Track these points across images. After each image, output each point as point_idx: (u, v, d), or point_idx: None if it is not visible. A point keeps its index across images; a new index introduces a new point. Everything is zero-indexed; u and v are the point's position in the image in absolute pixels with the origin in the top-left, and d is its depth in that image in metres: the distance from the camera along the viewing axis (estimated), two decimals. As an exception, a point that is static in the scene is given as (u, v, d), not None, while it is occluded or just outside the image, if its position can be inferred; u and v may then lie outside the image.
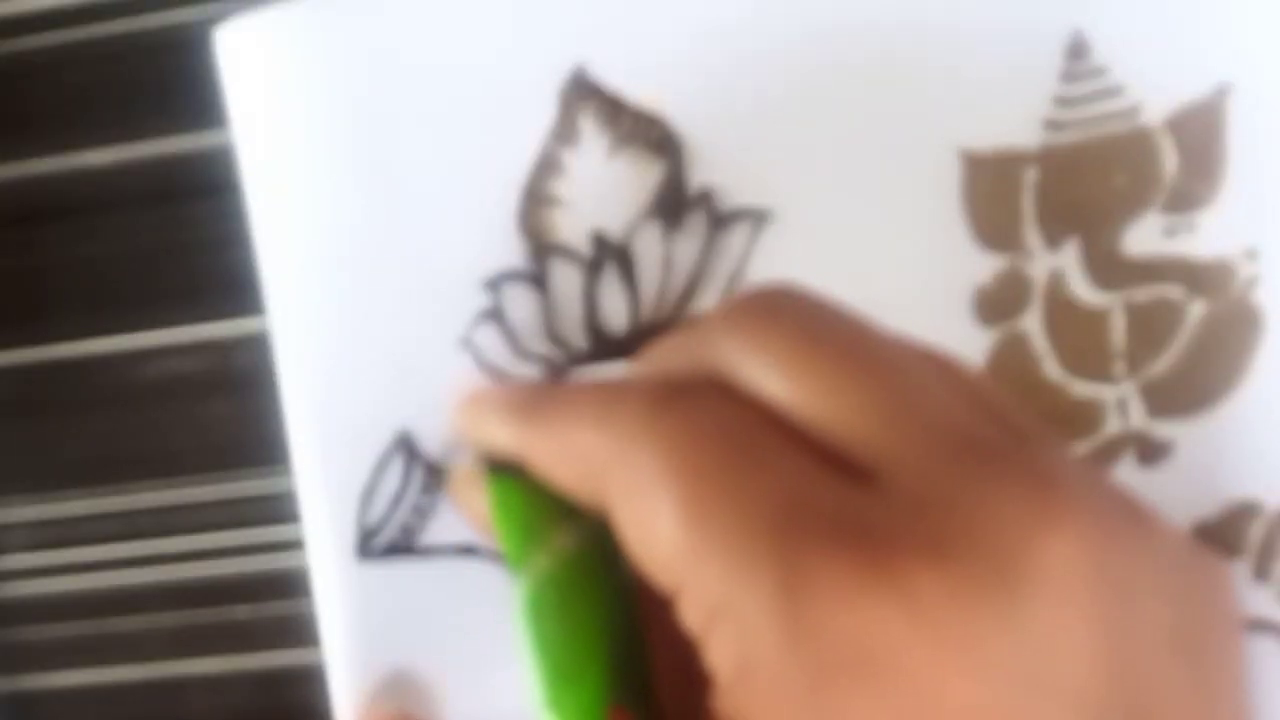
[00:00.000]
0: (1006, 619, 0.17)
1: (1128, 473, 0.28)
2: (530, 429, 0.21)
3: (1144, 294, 0.27)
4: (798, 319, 0.20)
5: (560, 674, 0.21)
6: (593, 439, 0.20)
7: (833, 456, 0.19)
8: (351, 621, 0.29)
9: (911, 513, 0.18)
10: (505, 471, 0.22)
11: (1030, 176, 0.28)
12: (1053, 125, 0.27)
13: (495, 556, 0.29)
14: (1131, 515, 0.19)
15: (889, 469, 0.18)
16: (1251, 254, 0.27)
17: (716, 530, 0.18)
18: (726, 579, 0.18)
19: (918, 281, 0.28)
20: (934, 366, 0.20)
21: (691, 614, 0.18)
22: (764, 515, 0.18)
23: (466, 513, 0.24)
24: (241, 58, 0.29)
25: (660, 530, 0.18)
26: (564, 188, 0.29)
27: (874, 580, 0.17)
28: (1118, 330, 0.28)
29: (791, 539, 0.18)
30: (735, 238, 0.28)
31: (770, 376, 0.19)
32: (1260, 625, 0.27)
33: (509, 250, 0.29)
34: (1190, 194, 0.27)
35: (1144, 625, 0.18)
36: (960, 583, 0.17)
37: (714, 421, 0.19)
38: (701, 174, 0.28)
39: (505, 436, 0.22)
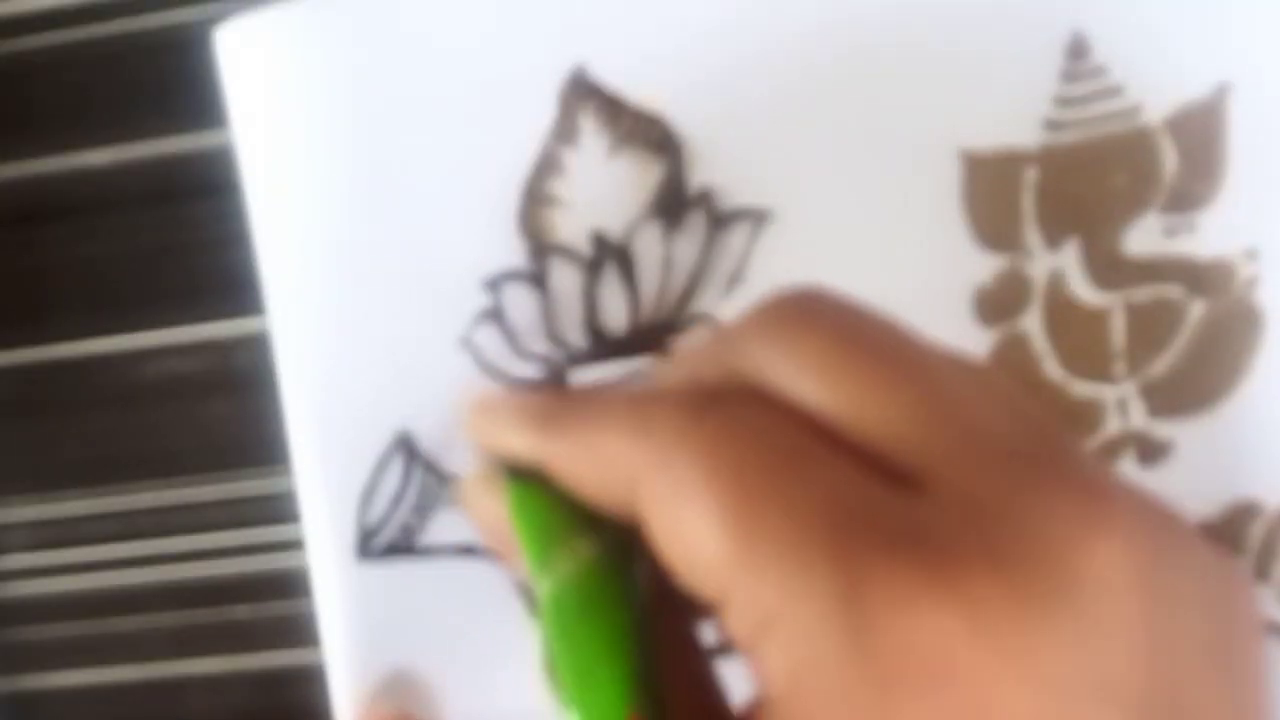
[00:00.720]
0: (1060, 625, 0.17)
1: (1128, 473, 0.28)
2: (553, 438, 0.21)
3: (1144, 294, 0.27)
4: (831, 322, 0.20)
5: (583, 676, 0.21)
6: (626, 447, 0.19)
7: (873, 462, 0.18)
8: (351, 621, 0.29)
9: (963, 519, 0.17)
10: (525, 479, 0.22)
11: (1030, 176, 0.28)
12: (1053, 125, 0.27)
13: (495, 558, 0.29)
14: (1168, 522, 0.19)
15: (933, 475, 0.18)
16: (1251, 254, 0.27)
17: (766, 538, 0.18)
18: (780, 588, 0.17)
19: (918, 281, 0.28)
20: (969, 371, 0.20)
21: (739, 624, 0.18)
22: (816, 522, 0.18)
23: (476, 520, 0.24)
24: (241, 58, 0.29)
25: (703, 539, 0.18)
26: (564, 188, 0.29)
27: (934, 587, 0.17)
28: (1118, 330, 0.28)
29: (847, 546, 0.17)
30: (735, 238, 0.28)
31: (806, 381, 0.19)
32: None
33: (509, 250, 0.29)
34: (1190, 194, 0.27)
35: (1185, 632, 0.18)
36: (1017, 590, 0.17)
37: (754, 427, 0.19)
38: (701, 174, 0.28)
39: (525, 444, 0.22)
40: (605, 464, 0.20)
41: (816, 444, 0.18)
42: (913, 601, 0.17)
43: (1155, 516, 0.18)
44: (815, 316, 0.20)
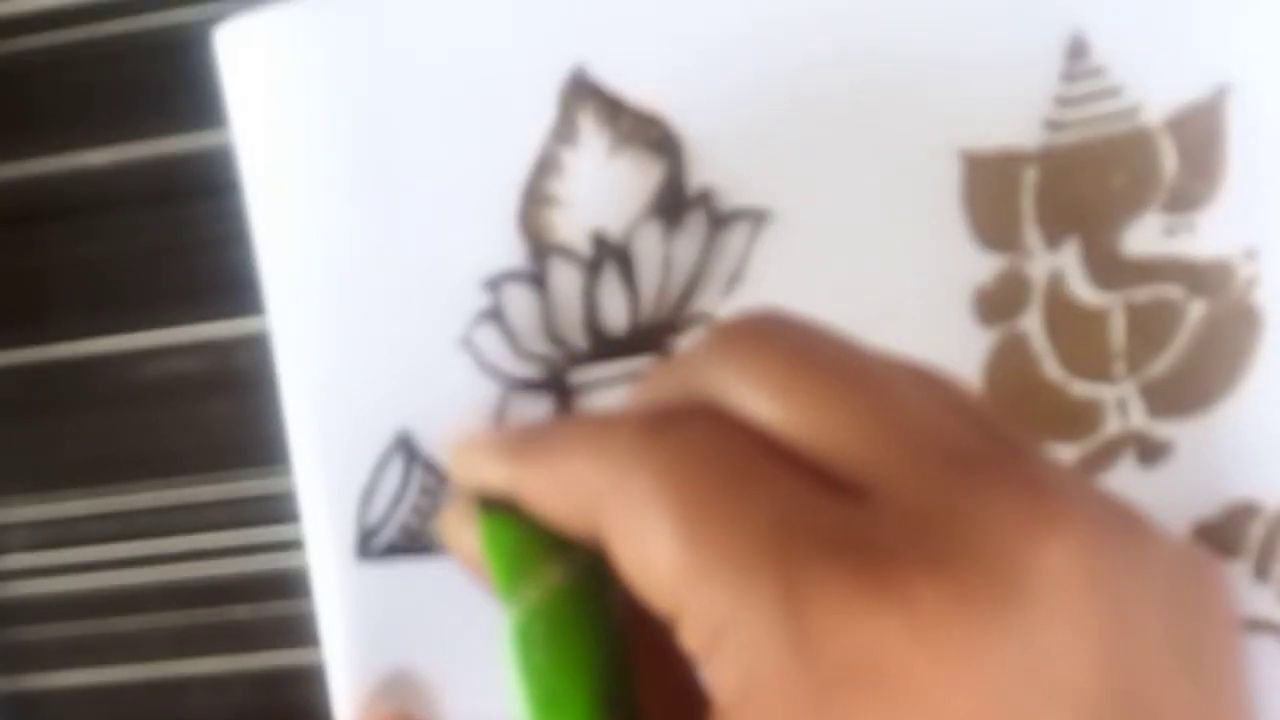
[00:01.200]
0: (1005, 627, 0.17)
1: (1128, 473, 0.28)
2: (523, 466, 0.22)
3: (1144, 294, 0.28)
4: (783, 341, 0.20)
5: (548, 704, 0.21)
6: (586, 469, 0.20)
7: (825, 475, 0.19)
8: (351, 621, 0.29)
9: (906, 525, 0.18)
10: (497, 509, 0.22)
11: (1030, 176, 0.28)
12: (1053, 125, 0.27)
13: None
14: (1125, 521, 0.19)
15: (880, 484, 0.18)
16: (1251, 254, 0.27)
17: (715, 550, 0.18)
18: (728, 597, 0.18)
19: (918, 281, 0.28)
20: (920, 381, 0.20)
21: (693, 636, 0.18)
22: (762, 533, 0.18)
23: (455, 554, 0.24)
24: (241, 58, 0.29)
25: (658, 553, 0.18)
26: (564, 188, 0.29)
27: (874, 593, 0.17)
28: (1118, 330, 0.28)
29: (790, 555, 0.18)
30: (735, 238, 0.28)
31: (759, 399, 0.19)
32: (1260, 625, 0.27)
33: (509, 250, 0.29)
34: (1190, 194, 0.27)
35: (1142, 631, 0.18)
36: (959, 593, 0.17)
37: (706, 444, 0.19)
38: (701, 174, 0.28)
39: (498, 476, 0.22)
40: (569, 488, 0.20)
41: (767, 459, 0.19)
42: (851, 607, 0.17)
43: (1111, 516, 0.19)
44: (769, 337, 0.20)
